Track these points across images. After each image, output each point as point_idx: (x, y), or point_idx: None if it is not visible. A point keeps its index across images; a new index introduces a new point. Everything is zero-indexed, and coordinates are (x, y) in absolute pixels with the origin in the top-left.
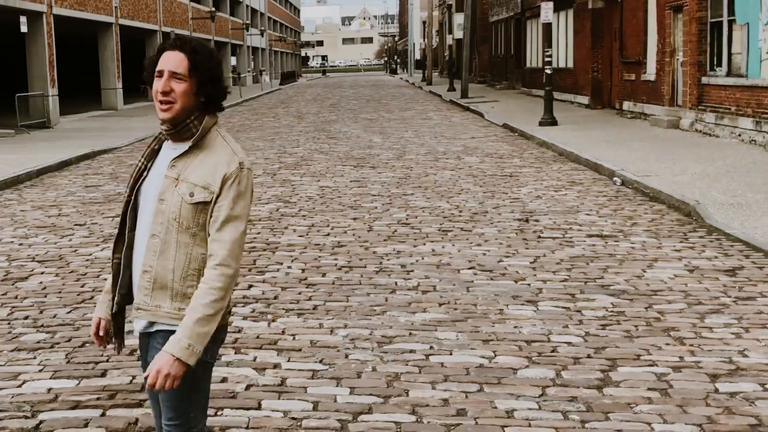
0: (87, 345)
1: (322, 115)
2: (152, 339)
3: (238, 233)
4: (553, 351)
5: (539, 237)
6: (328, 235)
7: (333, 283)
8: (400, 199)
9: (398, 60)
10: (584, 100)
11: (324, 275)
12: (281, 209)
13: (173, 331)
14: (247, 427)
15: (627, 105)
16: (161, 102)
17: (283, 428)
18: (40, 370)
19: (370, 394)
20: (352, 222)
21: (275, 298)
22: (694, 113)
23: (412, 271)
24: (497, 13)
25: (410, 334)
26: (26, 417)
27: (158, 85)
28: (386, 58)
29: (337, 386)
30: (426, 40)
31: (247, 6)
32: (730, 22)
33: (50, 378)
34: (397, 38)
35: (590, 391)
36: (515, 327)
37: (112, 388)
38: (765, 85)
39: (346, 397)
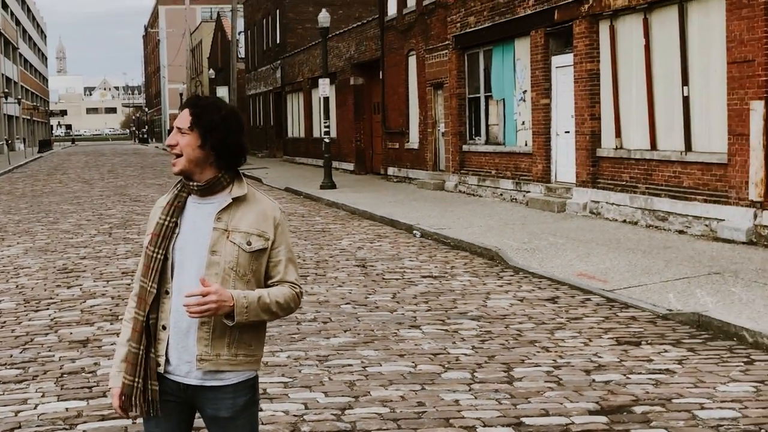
0: (66, 375)
1: (109, 180)
2: (216, 392)
3: (297, 273)
4: (457, 360)
5: (384, 278)
6: None
7: None
8: None
9: (147, 130)
10: (349, 166)
11: None
12: None
13: (239, 383)
14: (263, 423)
15: (392, 170)
16: (173, 156)
17: (292, 422)
18: (43, 395)
19: (342, 396)
20: None
21: None
22: (457, 176)
23: (301, 307)
24: (255, 87)
25: (338, 353)
26: (65, 429)
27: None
28: (134, 128)
29: (311, 392)
30: None
31: (2, 74)
32: (487, 98)
33: (59, 401)
34: (146, 108)
35: (504, 384)
36: (416, 345)
37: None
38: (521, 151)
39: (325, 399)
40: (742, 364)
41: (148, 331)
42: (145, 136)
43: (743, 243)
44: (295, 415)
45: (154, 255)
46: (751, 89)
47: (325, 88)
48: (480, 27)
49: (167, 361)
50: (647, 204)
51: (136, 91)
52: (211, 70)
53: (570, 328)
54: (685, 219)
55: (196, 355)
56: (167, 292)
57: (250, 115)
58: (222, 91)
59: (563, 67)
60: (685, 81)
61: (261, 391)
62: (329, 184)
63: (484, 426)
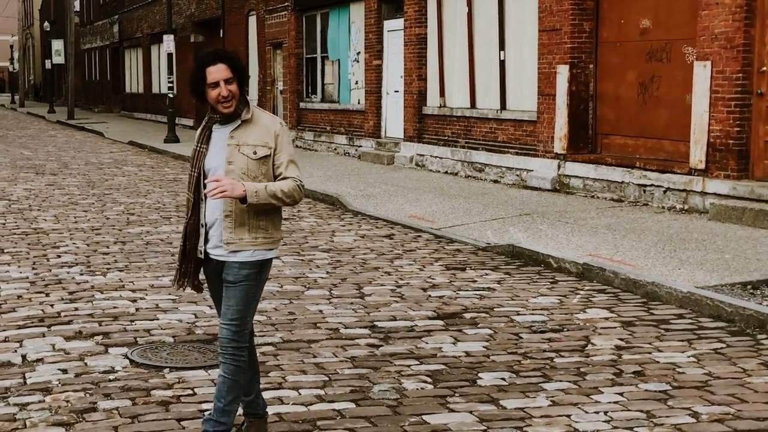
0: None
1: None
2: (233, 264)
3: (299, 169)
4: (315, 281)
5: None
6: (76, 222)
7: (128, 251)
8: (106, 197)
9: None
10: (189, 122)
11: (108, 248)
12: (14, 205)
13: (249, 260)
14: (162, 328)
15: None
16: (223, 102)
17: (187, 327)
18: None
19: None
20: (85, 214)
21: (88, 262)
22: (295, 132)
23: (170, 243)
24: (90, 42)
25: None
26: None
27: (219, 92)
28: None
29: (197, 306)
30: (17, 63)
31: None
32: (323, 58)
33: None
34: None
35: (357, 299)
36: (279, 270)
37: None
38: (354, 109)
39: (210, 311)
40: (549, 283)
41: (192, 229)
42: None
43: (548, 190)
44: (188, 323)
45: (191, 173)
46: (558, 55)
47: (170, 44)
48: None
49: (207, 246)
50: (466, 157)
51: None
52: (46, 23)
53: (406, 257)
54: (500, 170)
55: (223, 240)
56: (203, 199)
57: (86, 69)
58: (58, 45)
59: (394, 31)
60: (502, 46)
61: (154, 306)
62: (173, 138)
63: (346, 328)
